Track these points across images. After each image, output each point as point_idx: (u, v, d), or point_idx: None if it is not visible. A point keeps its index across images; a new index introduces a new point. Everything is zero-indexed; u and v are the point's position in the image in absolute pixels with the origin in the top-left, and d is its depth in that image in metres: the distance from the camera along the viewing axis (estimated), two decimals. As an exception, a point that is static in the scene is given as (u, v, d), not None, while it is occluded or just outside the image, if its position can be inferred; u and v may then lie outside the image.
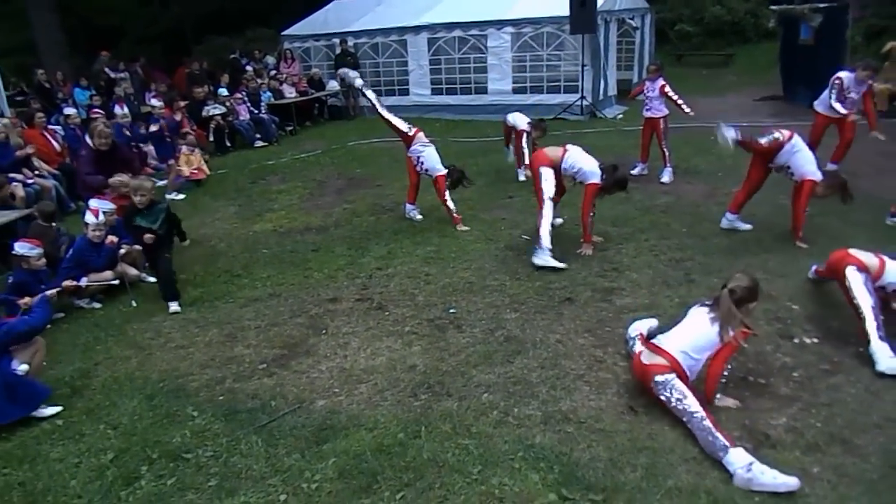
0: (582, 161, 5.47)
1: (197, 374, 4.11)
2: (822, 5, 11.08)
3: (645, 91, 7.77)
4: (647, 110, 7.78)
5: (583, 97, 12.12)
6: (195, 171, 9.32)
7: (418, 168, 6.63)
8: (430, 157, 6.54)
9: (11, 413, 3.58)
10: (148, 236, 5.15)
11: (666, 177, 7.65)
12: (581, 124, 11.72)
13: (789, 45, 12.40)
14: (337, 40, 14.30)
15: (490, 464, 3.02)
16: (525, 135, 7.84)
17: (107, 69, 13.95)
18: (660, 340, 3.43)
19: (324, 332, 4.54)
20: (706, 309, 3.41)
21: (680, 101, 7.66)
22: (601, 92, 12.63)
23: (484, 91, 13.22)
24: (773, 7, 14.60)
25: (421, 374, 3.87)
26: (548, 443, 3.15)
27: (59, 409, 3.76)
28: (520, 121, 7.97)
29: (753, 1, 20.37)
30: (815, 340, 3.98)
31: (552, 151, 5.57)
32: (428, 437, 3.24)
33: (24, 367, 4.01)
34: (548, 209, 5.36)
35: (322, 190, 8.62)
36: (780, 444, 3.07)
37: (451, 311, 4.70)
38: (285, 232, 6.96)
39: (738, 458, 2.85)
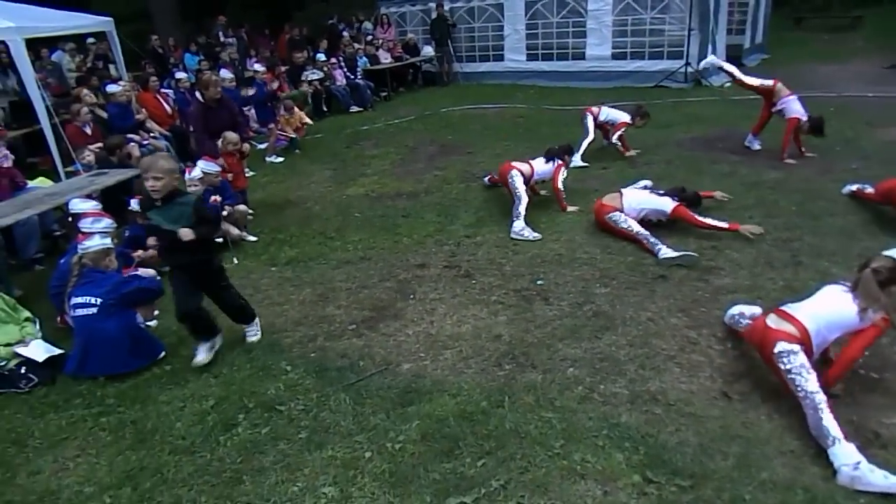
0: (644, 200, 5.33)
1: (291, 330, 4.30)
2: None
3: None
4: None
5: (687, 63, 11.48)
6: (298, 129, 9.72)
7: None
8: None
9: (132, 364, 3.88)
10: (151, 241, 3.67)
11: (757, 145, 7.44)
12: (684, 92, 11.14)
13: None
14: (433, 4, 14.23)
15: (573, 439, 2.98)
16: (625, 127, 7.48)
17: (220, 34, 14.57)
18: (791, 308, 3.19)
19: (411, 297, 4.62)
20: (843, 288, 3.15)
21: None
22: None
23: (581, 57, 12.79)
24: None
25: (506, 345, 3.86)
26: (634, 423, 3.07)
27: (163, 353, 4.05)
28: (615, 114, 7.54)
29: (889, -44, 18.45)
30: (940, 335, 3.63)
31: (612, 199, 5.40)
32: (511, 408, 3.24)
33: (154, 322, 4.33)
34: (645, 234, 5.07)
35: (414, 156, 8.69)
36: (892, 444, 2.83)
37: (539, 282, 4.64)
38: (377, 197, 7.09)
39: (846, 454, 2.66)
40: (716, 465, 2.77)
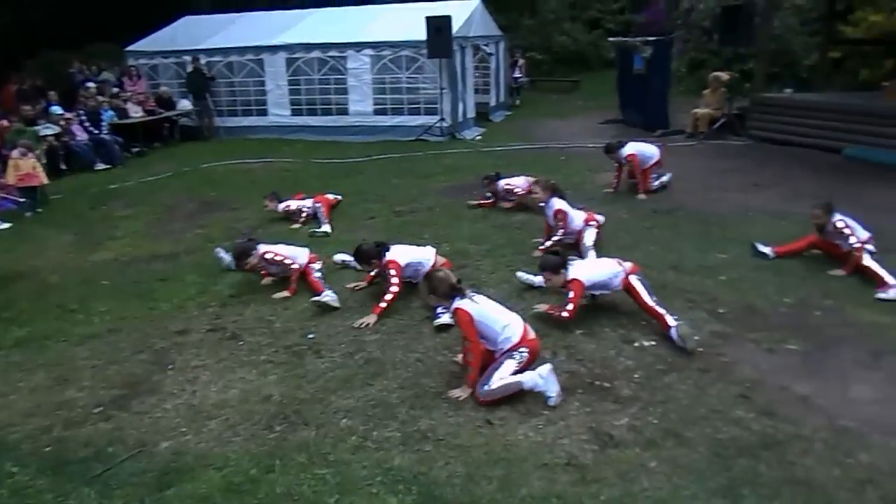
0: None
1: (19, 423, 3.67)
2: (651, 39, 12.22)
3: None
4: None
5: (442, 119, 12.44)
6: (22, 178, 8.39)
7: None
8: None
9: None
10: None
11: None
12: (442, 145, 12.00)
13: (625, 73, 13.52)
14: (188, 58, 13.64)
15: (347, 492, 2.94)
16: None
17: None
18: None
19: (170, 367, 4.24)
20: None
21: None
22: (460, 114, 13.04)
23: (345, 112, 13.17)
24: (611, 39, 16.02)
25: (276, 405, 3.71)
26: (406, 464, 3.13)
27: None
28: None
29: (595, 34, 22.25)
30: (653, 343, 4.29)
31: None
32: (282, 471, 3.11)
33: None
34: None
35: (172, 215, 8.11)
36: (622, 443, 3.26)
37: (310, 336, 4.57)
38: (129, 261, 6.45)
39: None
40: (482, 491, 2.93)
